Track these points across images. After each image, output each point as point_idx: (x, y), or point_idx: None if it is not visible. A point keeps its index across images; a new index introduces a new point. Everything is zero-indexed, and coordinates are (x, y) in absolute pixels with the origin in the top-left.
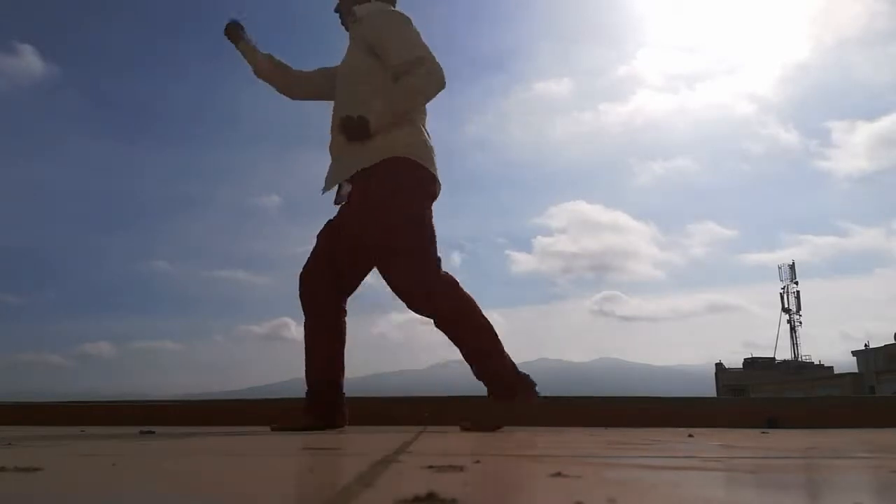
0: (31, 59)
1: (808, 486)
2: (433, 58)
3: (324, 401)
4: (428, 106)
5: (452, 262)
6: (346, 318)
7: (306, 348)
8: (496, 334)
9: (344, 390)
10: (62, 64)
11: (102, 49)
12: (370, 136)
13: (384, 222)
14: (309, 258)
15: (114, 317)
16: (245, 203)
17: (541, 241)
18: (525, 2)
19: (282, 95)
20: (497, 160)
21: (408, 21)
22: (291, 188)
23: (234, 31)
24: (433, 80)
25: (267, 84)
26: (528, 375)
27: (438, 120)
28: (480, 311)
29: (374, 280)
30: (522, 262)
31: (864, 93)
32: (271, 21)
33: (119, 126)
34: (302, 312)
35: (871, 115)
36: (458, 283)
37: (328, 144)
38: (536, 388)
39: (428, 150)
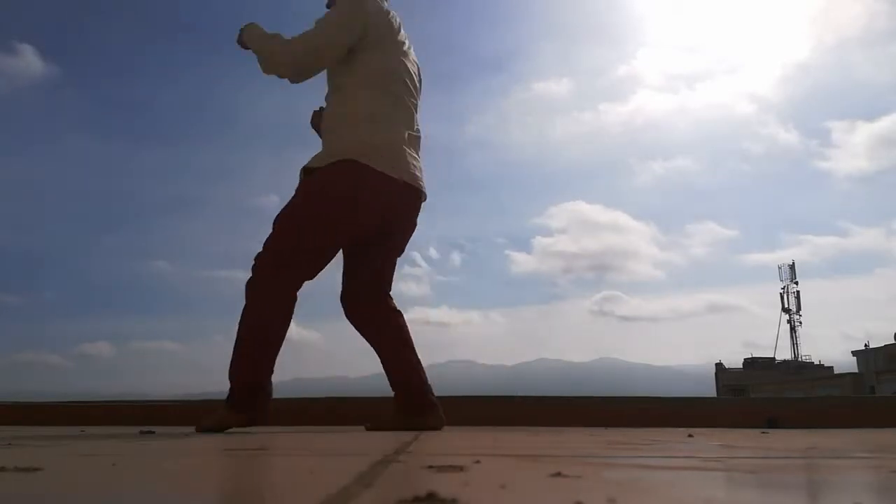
0: (30, 59)
1: (809, 486)
2: (313, 38)
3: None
4: (428, 106)
5: (453, 261)
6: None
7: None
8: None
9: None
10: (62, 64)
11: (102, 49)
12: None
13: (280, 217)
14: None
15: (113, 317)
16: (244, 203)
17: (540, 242)
18: (525, 2)
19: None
20: (497, 160)
21: (350, 2)
22: (290, 188)
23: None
24: (290, 52)
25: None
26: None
27: (439, 120)
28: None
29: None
30: (522, 262)
31: (864, 93)
32: (268, 17)
33: (118, 126)
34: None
35: (872, 115)
36: (277, 295)
37: None
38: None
39: (389, 150)
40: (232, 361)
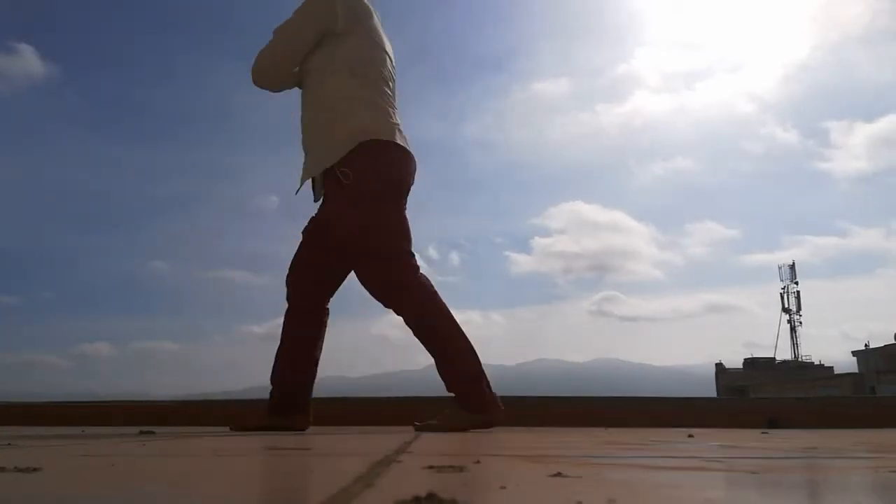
0: (30, 59)
1: (809, 486)
2: (273, 43)
3: (291, 402)
4: (427, 105)
5: (452, 261)
6: (328, 319)
7: (286, 347)
8: (469, 345)
9: (311, 392)
10: (61, 64)
11: (102, 49)
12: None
13: (356, 223)
14: (294, 259)
15: (112, 317)
16: (244, 203)
17: (540, 242)
18: (524, 1)
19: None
20: (496, 160)
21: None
22: (290, 188)
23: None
24: (257, 61)
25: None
26: (498, 399)
27: (439, 120)
28: (452, 318)
29: None
30: (521, 262)
31: (865, 92)
32: (266, 16)
33: (117, 125)
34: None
35: (872, 115)
36: (431, 288)
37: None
38: (500, 413)
39: (394, 128)
40: (449, 370)
